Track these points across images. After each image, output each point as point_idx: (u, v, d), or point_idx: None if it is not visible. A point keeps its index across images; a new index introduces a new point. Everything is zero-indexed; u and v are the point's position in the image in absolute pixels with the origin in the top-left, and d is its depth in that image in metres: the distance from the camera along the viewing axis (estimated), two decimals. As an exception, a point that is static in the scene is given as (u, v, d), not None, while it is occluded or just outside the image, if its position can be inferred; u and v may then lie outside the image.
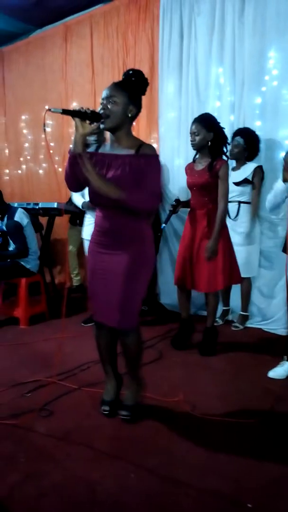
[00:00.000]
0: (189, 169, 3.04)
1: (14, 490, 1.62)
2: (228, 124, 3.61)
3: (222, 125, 2.93)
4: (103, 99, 1.91)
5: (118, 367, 2.26)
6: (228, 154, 3.05)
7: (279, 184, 2.54)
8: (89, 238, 3.13)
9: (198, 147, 2.89)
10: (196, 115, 3.26)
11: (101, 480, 1.68)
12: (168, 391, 2.35)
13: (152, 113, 4.22)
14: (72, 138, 1.91)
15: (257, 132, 3.47)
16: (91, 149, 2.04)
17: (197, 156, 3.00)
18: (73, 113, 1.83)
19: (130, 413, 2.12)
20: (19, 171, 5.91)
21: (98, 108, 1.91)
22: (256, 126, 3.50)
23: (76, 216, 4.45)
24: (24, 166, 5.84)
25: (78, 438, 1.97)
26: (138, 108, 1.97)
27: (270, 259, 3.52)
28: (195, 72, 3.85)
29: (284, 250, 2.66)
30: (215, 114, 3.67)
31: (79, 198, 3.44)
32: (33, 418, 2.12)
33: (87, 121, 1.84)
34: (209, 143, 2.87)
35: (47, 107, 1.78)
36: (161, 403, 2.25)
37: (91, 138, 2.45)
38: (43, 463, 1.79)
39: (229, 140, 3.38)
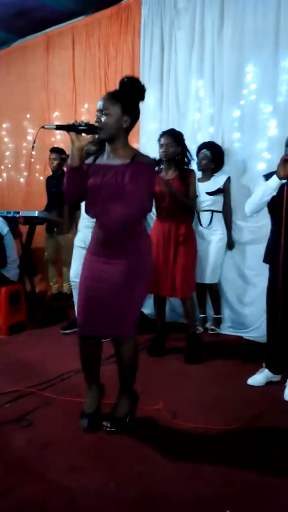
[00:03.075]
0: (158, 179, 3.10)
1: (-7, 503, 1.60)
2: (208, 136, 3.69)
3: (202, 136, 3.03)
4: (97, 111, 1.91)
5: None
6: (196, 166, 3.29)
7: (271, 182, 2.37)
8: (81, 245, 3.14)
9: (169, 159, 3.04)
10: (176, 127, 3.34)
11: (81, 490, 1.67)
12: (148, 399, 2.35)
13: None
14: (69, 152, 1.90)
15: (236, 144, 3.56)
16: (89, 160, 2.05)
17: (162, 166, 3.12)
18: (67, 128, 1.85)
19: (117, 426, 2.07)
20: (0, 179, 5.87)
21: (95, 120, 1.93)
22: (235, 138, 3.58)
23: (53, 224, 4.46)
24: (5, 174, 5.80)
25: (58, 449, 1.95)
26: (134, 117, 1.96)
27: (251, 268, 3.58)
28: (175, 84, 3.92)
29: (265, 260, 2.68)
30: (195, 126, 3.79)
31: None
32: (13, 429, 2.10)
33: (83, 134, 1.86)
34: (178, 156, 3.04)
35: (43, 126, 1.84)
36: (141, 412, 2.24)
37: (92, 148, 2.48)
38: (23, 475, 1.77)
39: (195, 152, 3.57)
